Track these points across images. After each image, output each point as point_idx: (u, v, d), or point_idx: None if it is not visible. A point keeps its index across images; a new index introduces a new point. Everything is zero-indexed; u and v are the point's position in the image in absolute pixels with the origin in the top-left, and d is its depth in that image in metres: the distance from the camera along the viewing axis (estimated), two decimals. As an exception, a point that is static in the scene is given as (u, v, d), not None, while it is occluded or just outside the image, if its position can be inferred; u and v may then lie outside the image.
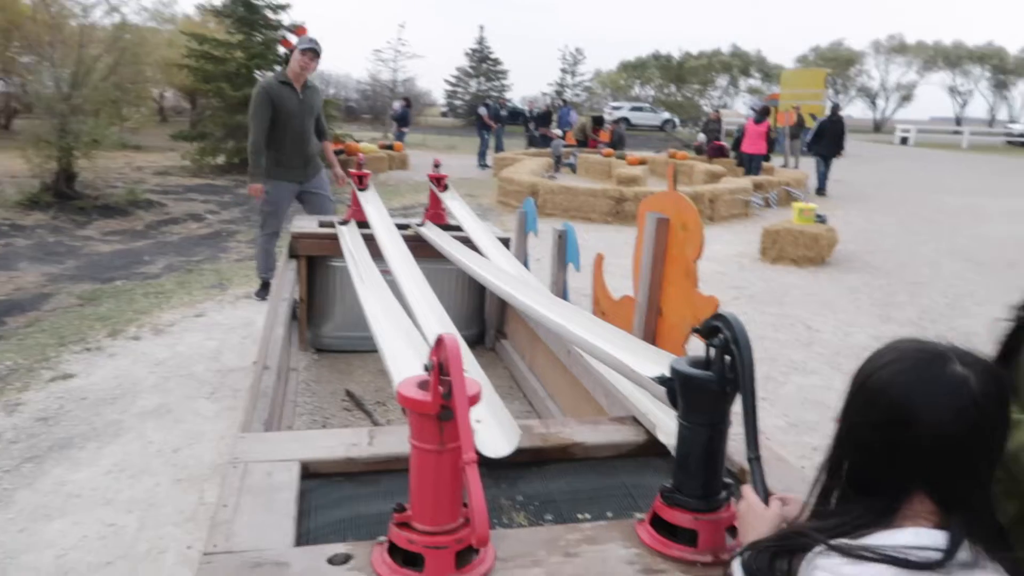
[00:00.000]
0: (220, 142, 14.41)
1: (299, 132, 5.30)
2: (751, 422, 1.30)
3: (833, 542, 0.98)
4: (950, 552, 0.93)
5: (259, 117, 5.16)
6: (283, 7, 15.21)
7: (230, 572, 1.26)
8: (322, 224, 4.67)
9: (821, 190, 14.68)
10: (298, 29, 15.65)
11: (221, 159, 14.50)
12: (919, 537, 0.95)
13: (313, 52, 5.20)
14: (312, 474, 1.69)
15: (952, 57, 53.73)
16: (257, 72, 14.74)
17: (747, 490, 1.25)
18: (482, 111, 19.62)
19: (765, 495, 1.24)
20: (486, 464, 1.80)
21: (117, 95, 13.47)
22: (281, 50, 14.69)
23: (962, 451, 0.94)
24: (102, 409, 3.85)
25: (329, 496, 1.65)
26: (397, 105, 23.22)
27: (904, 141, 36.21)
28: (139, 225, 9.23)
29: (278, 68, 14.81)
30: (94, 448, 3.44)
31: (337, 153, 15.66)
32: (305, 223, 4.77)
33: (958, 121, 53.16)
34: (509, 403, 3.91)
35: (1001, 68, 52.11)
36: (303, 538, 1.46)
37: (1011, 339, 1.29)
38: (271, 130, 5.25)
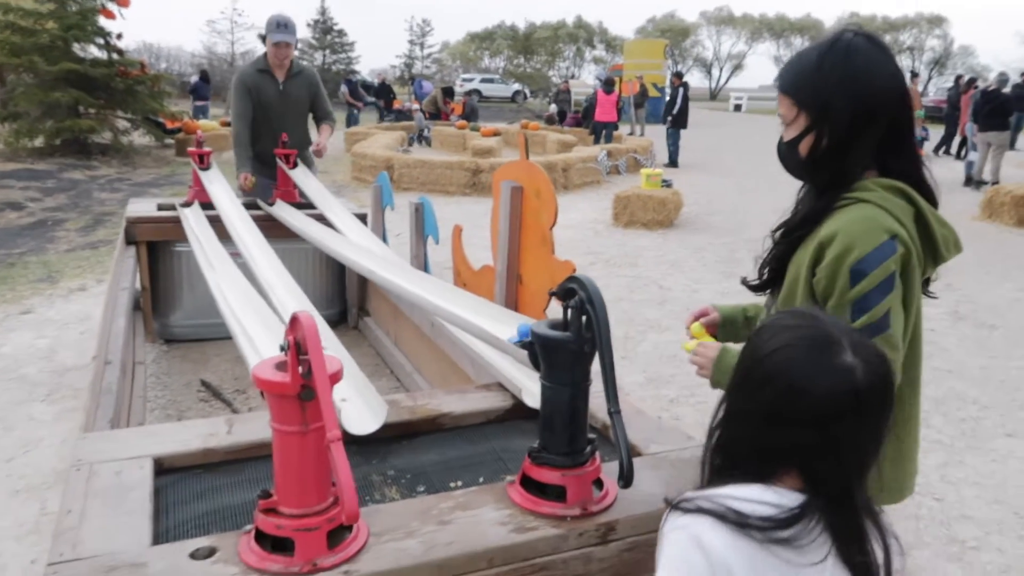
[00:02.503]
0: (37, 122, 13.08)
1: (280, 125, 4.68)
2: (609, 378, 1.35)
3: (681, 498, 1.02)
4: (791, 517, 0.95)
5: (236, 111, 4.66)
6: (100, -27, 13.93)
7: (80, 581, 1.17)
8: (161, 207, 4.38)
9: (675, 162, 14.78)
10: (119, -1, 14.28)
11: (40, 141, 13.20)
12: (764, 493, 0.98)
13: (286, 42, 4.55)
14: (167, 469, 1.60)
15: (776, 28, 57.64)
16: (76, 45, 13.49)
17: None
18: (344, 89, 19.05)
19: (628, 456, 1.32)
20: (355, 442, 1.77)
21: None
22: (102, 20, 13.60)
23: (838, 437, 0.97)
24: (-84, 423, 3.45)
25: (188, 491, 1.57)
26: (194, 78, 21.52)
27: (738, 108, 38.57)
28: (-54, 217, 8.28)
29: (100, 41, 13.67)
30: (-91, 467, 3.08)
31: (175, 131, 14.80)
32: (142, 206, 4.45)
33: (784, 88, 57.00)
34: (376, 380, 3.87)
35: (817, 38, 56.38)
36: (162, 537, 1.39)
37: (774, 259, 1.52)
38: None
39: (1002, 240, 8.41)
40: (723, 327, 1.74)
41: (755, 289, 1.61)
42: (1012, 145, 12.15)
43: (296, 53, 4.90)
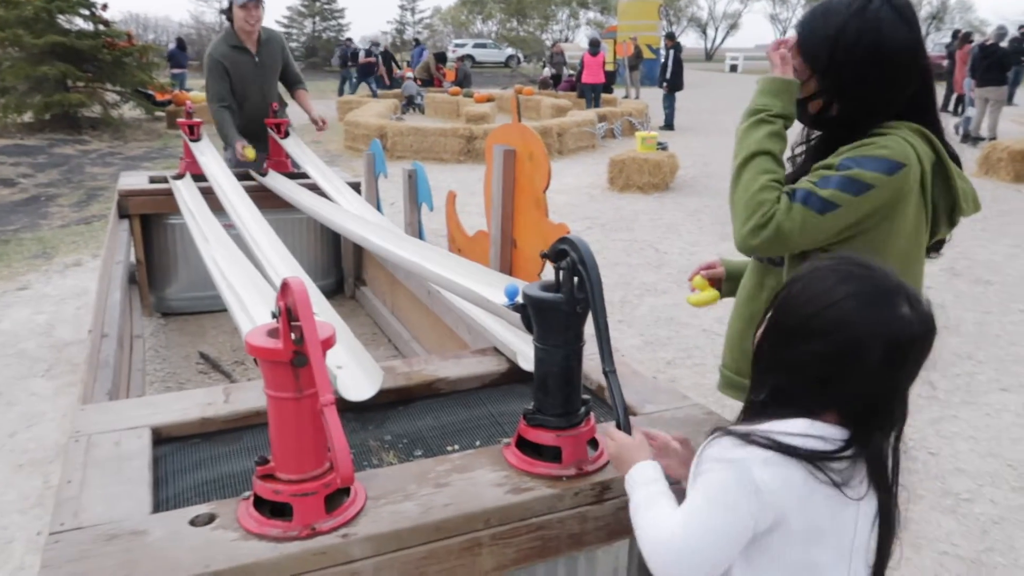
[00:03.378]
0: (25, 96, 12.94)
1: (259, 97, 4.56)
2: (604, 338, 1.35)
3: (728, 427, 1.05)
4: (843, 448, 0.99)
5: (210, 90, 4.49)
6: (83, -57, 13.67)
7: (82, 548, 1.19)
8: (153, 180, 4.35)
9: (670, 125, 14.68)
10: (103, -32, 14.03)
11: (28, 116, 13.06)
12: (808, 426, 1.01)
13: (255, 2, 4.36)
14: (166, 439, 1.61)
15: (772, -15, 56.87)
16: (61, 16, 13.29)
17: (610, 431, 1.29)
18: (336, 59, 18.72)
19: (625, 414, 1.30)
20: (352, 408, 1.78)
21: None
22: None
23: (883, 385, 1.01)
24: (-83, 401, 3.47)
25: (187, 460, 1.58)
26: (171, 45, 20.73)
27: (733, 69, 38.18)
28: (-62, 195, 8.23)
29: (85, 12, 13.41)
30: (-88, 444, 3.10)
31: (165, 104, 14.65)
32: (134, 179, 4.42)
33: (780, 47, 56.37)
34: (374, 349, 3.89)
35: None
36: (162, 505, 1.40)
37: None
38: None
39: (998, 196, 8.39)
40: (728, 281, 1.76)
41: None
42: (1010, 100, 12.05)
43: (285, 21, 4.78)
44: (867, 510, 1.05)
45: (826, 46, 1.40)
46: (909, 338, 1.00)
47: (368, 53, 19.90)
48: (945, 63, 17.33)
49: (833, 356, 1.01)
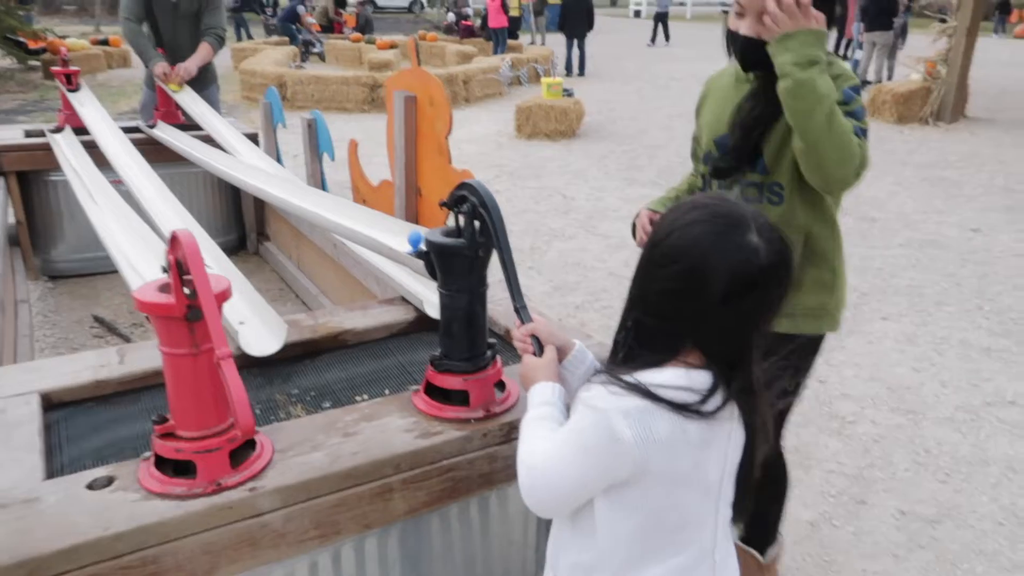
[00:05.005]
0: None
1: (169, 35, 4.35)
2: (511, 276, 1.35)
3: (597, 377, 1.06)
4: (706, 396, 1.01)
5: (123, 7, 4.26)
6: None
7: (-32, 521, 1.14)
8: (29, 134, 4.06)
9: (580, 71, 14.55)
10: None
11: None
12: (678, 377, 1.02)
13: None
14: (57, 404, 1.54)
15: (673, -70, 56.96)
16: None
17: (523, 355, 1.30)
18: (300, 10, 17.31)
19: (539, 345, 1.28)
20: (257, 364, 1.75)
21: None
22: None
23: (737, 315, 1.00)
24: None
25: (82, 425, 1.53)
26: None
27: (637, 15, 38.32)
28: None
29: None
30: None
31: (38, 52, 13.58)
32: (7, 133, 4.11)
33: (681, -7, 56.96)
34: (281, 305, 3.80)
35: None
36: (56, 473, 1.35)
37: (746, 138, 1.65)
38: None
39: (883, 137, 8.84)
40: None
41: (726, 173, 1.72)
42: (898, 45, 12.59)
43: None
44: (735, 445, 1.08)
45: None
46: (756, 267, 0.99)
47: None
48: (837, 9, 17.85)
49: (679, 285, 1.01)
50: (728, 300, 0.99)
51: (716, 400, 1.02)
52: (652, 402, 0.99)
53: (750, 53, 1.60)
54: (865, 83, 11.98)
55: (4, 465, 1.28)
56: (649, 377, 1.02)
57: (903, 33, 12.45)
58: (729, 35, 1.64)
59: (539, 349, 1.28)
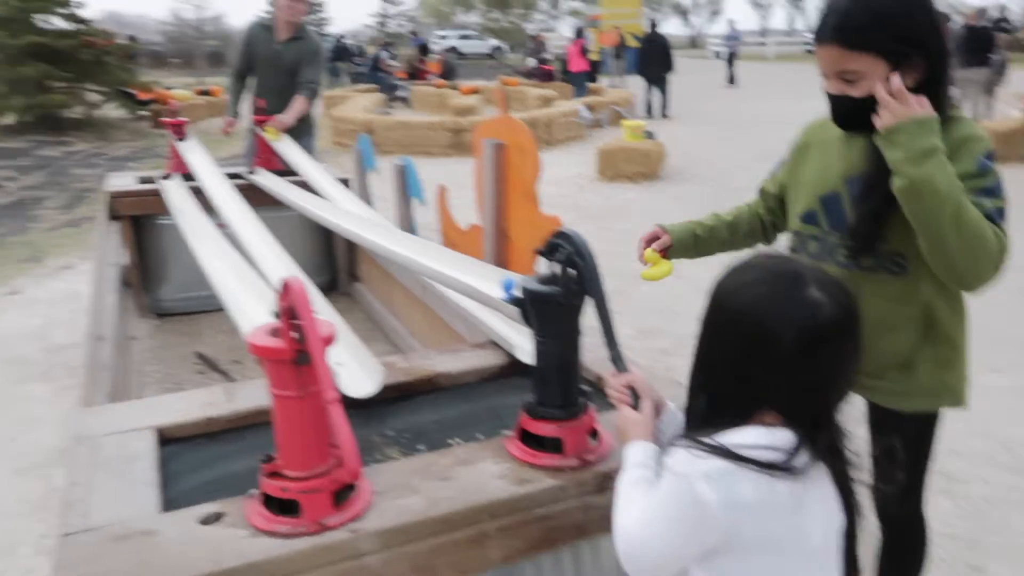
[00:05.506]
0: (5, 99, 12.82)
1: (270, 85, 4.67)
2: (607, 325, 1.36)
3: (679, 440, 1.04)
4: (791, 454, 0.98)
5: (237, 56, 4.74)
6: (57, -59, 13.52)
7: (94, 550, 1.20)
8: (142, 180, 4.34)
9: (664, 113, 14.48)
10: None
11: (11, 118, 12.94)
12: (760, 436, 1.00)
13: None
14: (170, 439, 1.62)
15: (753, -30, 56.80)
16: (40, 16, 13.15)
17: (620, 407, 1.31)
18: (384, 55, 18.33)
19: (635, 397, 1.29)
20: (353, 405, 1.79)
21: None
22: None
23: (810, 373, 0.98)
24: (-88, 408, 3.46)
25: (192, 459, 1.60)
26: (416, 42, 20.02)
27: (717, 55, 38.14)
28: (-78, 200, 8.15)
29: (63, 12, 13.31)
30: (-91, 451, 3.10)
31: (148, 103, 14.53)
32: (122, 180, 4.40)
33: (763, 33, 56.63)
34: (371, 345, 3.85)
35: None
36: (170, 505, 1.41)
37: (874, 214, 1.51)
38: (253, 76, 4.76)
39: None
40: (675, 251, 1.82)
41: (861, 252, 1.57)
42: (995, 82, 12.10)
43: (263, 14, 4.81)
44: (833, 508, 1.04)
45: (884, 20, 1.41)
46: (821, 322, 0.97)
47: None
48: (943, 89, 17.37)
49: (745, 348, 1.00)
50: (798, 359, 0.97)
51: (802, 458, 0.98)
52: (735, 463, 0.97)
53: (840, 109, 1.53)
54: None
55: (125, 497, 1.35)
56: (730, 438, 1.00)
57: (1002, 70, 11.94)
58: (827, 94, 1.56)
59: (634, 400, 1.28)
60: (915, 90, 1.43)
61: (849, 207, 1.58)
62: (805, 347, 0.97)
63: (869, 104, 1.44)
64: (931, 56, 1.44)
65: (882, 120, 1.40)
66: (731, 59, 21.53)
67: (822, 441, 1.00)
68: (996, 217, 1.40)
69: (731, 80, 21.30)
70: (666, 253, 1.78)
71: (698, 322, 1.10)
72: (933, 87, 1.44)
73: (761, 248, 1.18)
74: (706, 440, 1.01)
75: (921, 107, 1.38)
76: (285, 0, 4.52)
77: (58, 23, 13.65)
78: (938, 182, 1.34)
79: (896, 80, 1.40)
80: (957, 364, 1.63)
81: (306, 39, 4.74)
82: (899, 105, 1.38)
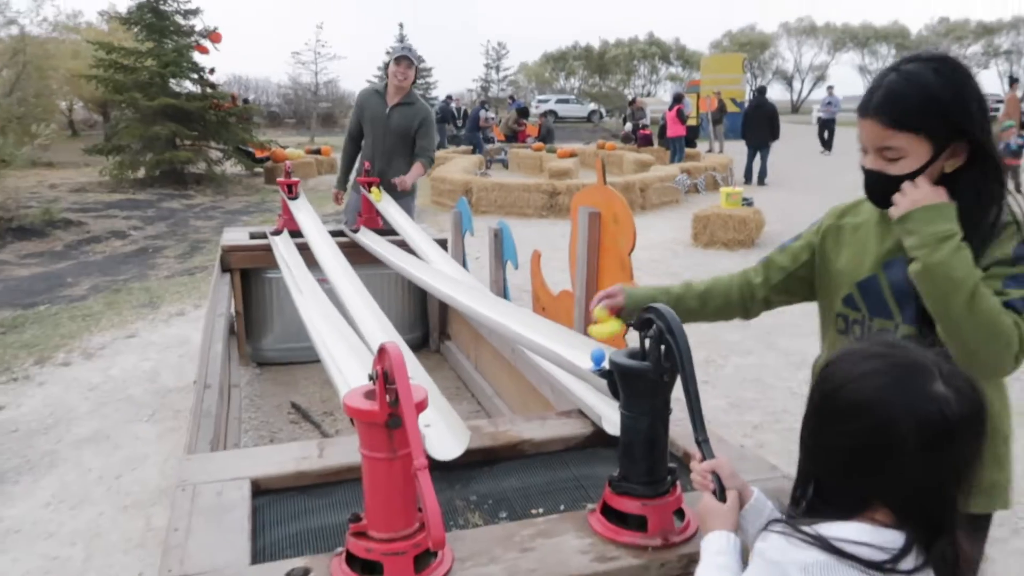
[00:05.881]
0: (138, 155, 13.94)
1: (378, 147, 4.94)
2: (695, 406, 1.34)
3: (776, 525, 1.00)
4: (898, 556, 0.92)
5: (351, 121, 5.13)
6: (193, 12, 14.78)
7: (188, 597, 1.26)
8: (253, 236, 4.60)
9: (761, 180, 14.24)
10: (212, 35, 15.24)
11: (141, 172, 14.04)
12: (864, 532, 0.95)
13: (405, 59, 4.79)
14: (263, 491, 1.68)
15: (860, 37, 55.82)
16: (173, 80, 14.33)
17: (703, 494, 1.27)
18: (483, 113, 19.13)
19: (719, 484, 1.25)
20: (438, 467, 1.82)
21: (22, 111, 12.91)
22: (196, 56, 14.40)
23: (932, 472, 0.93)
24: (35, 440, 3.72)
25: (282, 511, 1.65)
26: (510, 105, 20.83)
27: (820, 121, 37.48)
28: (58, 246, 8.87)
29: (195, 76, 14.48)
30: (29, 481, 3.32)
31: (263, 160, 15.47)
32: (235, 235, 4.68)
33: (869, 99, 55.15)
34: (457, 404, 3.94)
35: (904, 46, 54.39)
36: (259, 555, 1.46)
37: None
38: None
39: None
40: (629, 314, 1.71)
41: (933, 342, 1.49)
42: None
43: (374, 79, 5.12)
44: None
45: (929, 99, 1.36)
46: (948, 417, 0.92)
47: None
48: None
49: (862, 442, 0.95)
50: (920, 456, 0.92)
51: (909, 562, 0.92)
52: (836, 557, 0.92)
53: (876, 187, 1.45)
54: None
55: (219, 545, 1.41)
56: (832, 530, 0.95)
57: None
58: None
59: (719, 488, 1.25)
60: (956, 175, 1.40)
61: (888, 292, 1.51)
62: (929, 444, 0.91)
63: (910, 179, 1.41)
64: (975, 141, 1.38)
65: (897, 207, 1.39)
66: (829, 125, 21.08)
67: (939, 547, 0.94)
68: (1020, 307, 1.33)
69: (827, 146, 20.83)
70: (618, 313, 1.72)
71: (809, 407, 1.05)
72: (976, 173, 1.39)
73: (879, 334, 1.11)
74: (806, 529, 0.97)
75: (937, 195, 1.37)
76: (394, 66, 4.81)
77: (189, 87, 14.83)
78: (954, 268, 1.32)
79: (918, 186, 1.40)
80: (1007, 462, 1.50)
81: (415, 104, 4.98)
82: (914, 190, 1.38)
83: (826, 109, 21.59)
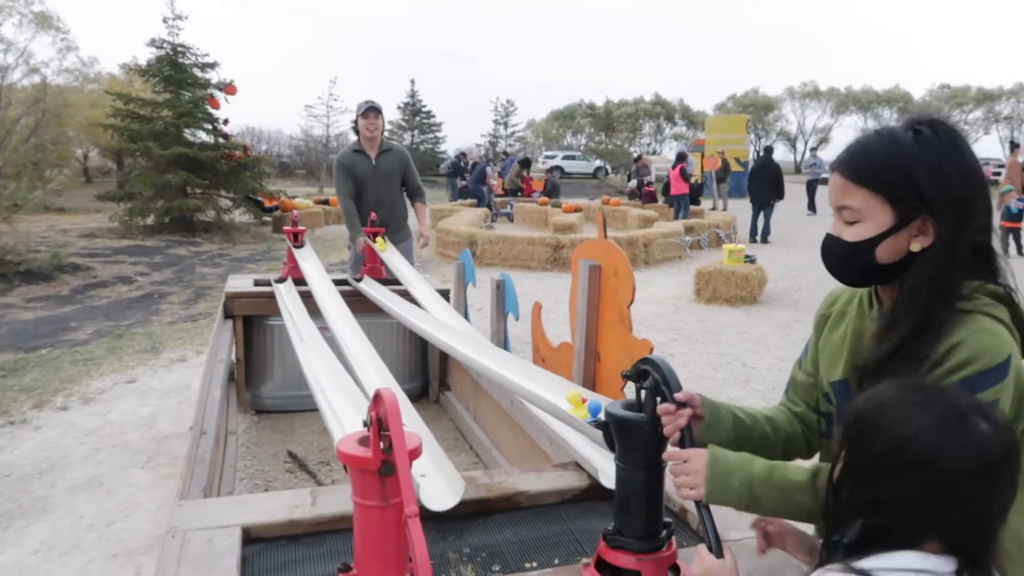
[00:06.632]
0: (149, 202, 14.13)
1: (378, 199, 5.17)
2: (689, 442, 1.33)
3: (834, 566, 1.01)
4: None
5: (338, 187, 5.23)
6: (211, 65, 15.16)
7: (171, 646, 1.23)
8: (257, 283, 4.63)
9: (764, 238, 14.33)
10: (227, 87, 15.57)
11: (151, 219, 14.20)
12: (918, 560, 0.97)
13: (373, 111, 5.11)
14: (255, 539, 1.66)
15: (863, 101, 56.84)
16: (187, 130, 14.61)
17: (700, 549, 1.25)
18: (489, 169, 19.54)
19: (716, 541, 1.23)
20: (432, 518, 1.80)
21: (39, 157, 13.15)
22: (210, 108, 14.71)
23: (985, 507, 0.97)
24: (28, 484, 3.68)
25: (273, 560, 1.63)
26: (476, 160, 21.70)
27: (824, 181, 37.92)
28: (65, 290, 8.93)
29: (208, 126, 14.80)
30: (20, 527, 3.27)
31: (271, 209, 15.65)
32: (239, 282, 4.71)
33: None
34: (455, 455, 3.90)
35: (906, 110, 55.26)
36: (247, 606, 1.44)
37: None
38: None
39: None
40: (711, 429, 1.46)
41: None
42: None
43: (386, 134, 5.27)
44: None
45: (902, 161, 1.22)
46: (996, 455, 0.97)
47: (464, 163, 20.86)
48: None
49: (926, 491, 0.97)
50: (978, 493, 0.96)
51: None
52: None
53: (827, 251, 1.32)
54: None
55: (206, 594, 1.39)
56: (887, 562, 0.97)
57: None
58: None
59: (715, 540, 1.23)
60: (905, 263, 1.24)
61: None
62: (986, 480, 0.96)
63: (860, 251, 1.26)
64: (945, 224, 1.20)
65: (683, 494, 1.29)
66: (813, 185, 21.25)
67: (983, 570, 0.98)
68: None
69: (811, 207, 20.84)
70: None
71: (854, 463, 1.04)
72: (941, 262, 1.20)
73: (907, 381, 1.03)
74: (859, 565, 0.98)
75: (690, 473, 1.27)
76: (363, 120, 5.08)
77: (203, 136, 15.11)
78: (763, 504, 1.26)
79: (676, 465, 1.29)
80: (1020, 562, 1.36)
81: (393, 149, 5.30)
82: (679, 468, 1.28)
83: (810, 170, 21.87)
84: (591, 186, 32.24)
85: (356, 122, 5.18)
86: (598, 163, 40.69)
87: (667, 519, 1.47)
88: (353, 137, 5.37)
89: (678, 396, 1.34)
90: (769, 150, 15.76)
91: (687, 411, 1.33)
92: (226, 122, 15.32)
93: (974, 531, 0.98)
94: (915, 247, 1.23)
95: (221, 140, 15.19)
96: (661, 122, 54.16)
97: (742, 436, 1.42)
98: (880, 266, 1.26)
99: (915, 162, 1.21)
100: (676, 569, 1.46)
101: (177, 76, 14.65)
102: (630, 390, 1.50)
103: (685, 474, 1.28)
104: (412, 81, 58.01)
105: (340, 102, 34.41)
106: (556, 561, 1.67)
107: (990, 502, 0.98)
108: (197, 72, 15.04)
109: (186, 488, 2.10)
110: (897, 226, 1.23)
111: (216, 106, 15.02)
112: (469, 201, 19.03)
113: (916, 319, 1.22)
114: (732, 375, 5.80)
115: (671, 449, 1.34)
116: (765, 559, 1.50)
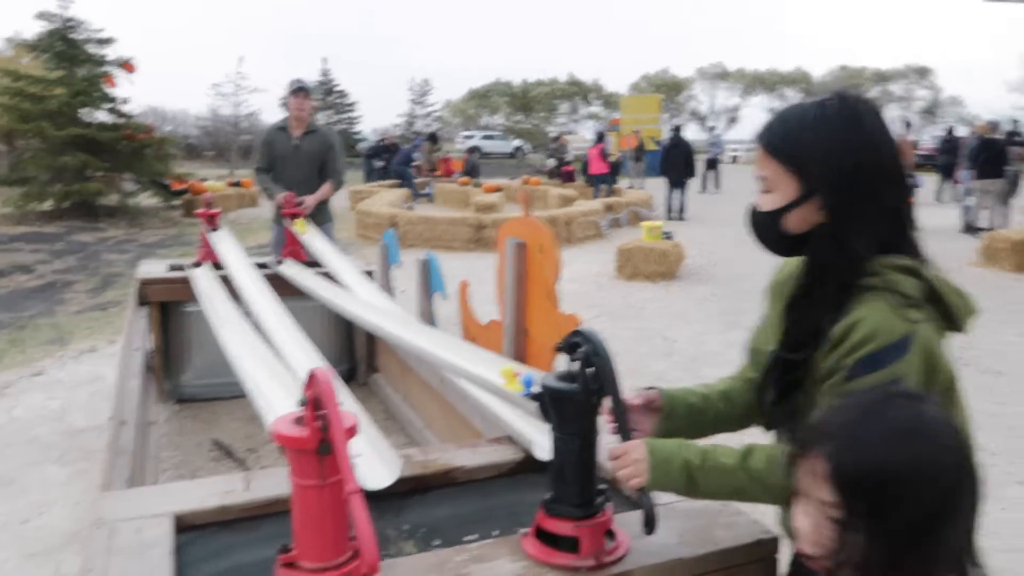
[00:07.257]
0: (46, 186, 13.34)
1: (293, 179, 5.04)
2: (623, 422, 1.39)
3: None
4: None
5: (258, 160, 5.16)
6: (107, 41, 14.37)
7: (106, 638, 1.20)
8: (172, 268, 4.46)
9: (680, 215, 14.64)
10: (125, 64, 14.83)
11: (48, 204, 13.42)
12: None
13: (302, 91, 5.03)
14: (187, 527, 1.62)
15: (768, 82, 58.91)
16: (84, 110, 13.84)
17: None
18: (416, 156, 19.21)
19: (649, 497, 1.35)
20: (369, 497, 1.79)
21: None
22: (107, 88, 13.95)
23: (972, 511, 0.98)
24: (-72, 487, 3.47)
25: (207, 548, 1.60)
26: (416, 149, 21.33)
27: (734, 160, 39.12)
28: (-44, 281, 8.38)
29: (107, 106, 14.06)
30: (-79, 531, 3.09)
31: (181, 192, 15.04)
32: (153, 267, 4.53)
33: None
34: (387, 436, 3.88)
35: (808, 90, 57.57)
36: (182, 595, 1.41)
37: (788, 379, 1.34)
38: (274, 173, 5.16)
39: (1001, 286, 8.46)
40: (669, 420, 1.55)
41: (780, 423, 1.45)
42: (1012, 193, 12.30)
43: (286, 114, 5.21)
44: None
45: (808, 135, 1.25)
46: (971, 458, 0.99)
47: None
48: (937, 155, 18.07)
49: (929, 511, 0.95)
50: (973, 499, 0.98)
51: None
52: None
53: (765, 232, 1.34)
54: (979, 230, 11.64)
55: (140, 585, 1.35)
56: None
57: (1015, 183, 12.19)
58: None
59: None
60: (811, 236, 1.28)
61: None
62: (975, 487, 0.98)
63: (770, 220, 1.31)
64: (834, 197, 1.23)
65: (628, 482, 1.36)
66: (712, 164, 21.92)
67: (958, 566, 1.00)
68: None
69: (704, 187, 21.08)
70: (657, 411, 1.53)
71: (850, 513, 0.98)
72: (834, 236, 1.24)
73: (863, 396, 1.03)
74: None
75: (637, 451, 1.34)
76: (292, 99, 5.03)
77: (101, 116, 14.34)
78: (716, 491, 1.34)
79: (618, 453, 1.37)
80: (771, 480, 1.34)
81: (319, 131, 5.25)
82: (616, 460, 1.36)
83: (711, 150, 22.78)
84: (511, 166, 32.31)
85: (286, 98, 5.13)
86: (517, 143, 40.76)
87: (601, 486, 1.51)
88: (279, 115, 5.38)
89: (635, 401, 1.46)
90: (678, 129, 16.15)
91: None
92: (126, 101, 14.62)
93: (966, 533, 1.00)
94: (803, 226, 1.28)
95: (121, 120, 14.46)
96: (577, 102, 54.62)
97: (696, 421, 1.51)
98: (791, 236, 1.30)
99: (808, 133, 1.25)
100: (611, 534, 1.51)
101: (70, 52, 13.84)
102: (560, 364, 1.54)
103: (627, 466, 1.35)
104: (324, 59, 56.49)
105: (248, 81, 33.17)
106: (495, 533, 1.70)
107: (977, 505, 0.99)
108: (92, 48, 14.23)
109: (108, 480, 2.03)
110: (803, 197, 1.26)
111: (113, 84, 14.28)
112: (390, 182, 18.75)
113: (816, 295, 1.28)
114: (654, 349, 5.97)
115: (612, 448, 1.40)
116: (696, 519, 1.57)
